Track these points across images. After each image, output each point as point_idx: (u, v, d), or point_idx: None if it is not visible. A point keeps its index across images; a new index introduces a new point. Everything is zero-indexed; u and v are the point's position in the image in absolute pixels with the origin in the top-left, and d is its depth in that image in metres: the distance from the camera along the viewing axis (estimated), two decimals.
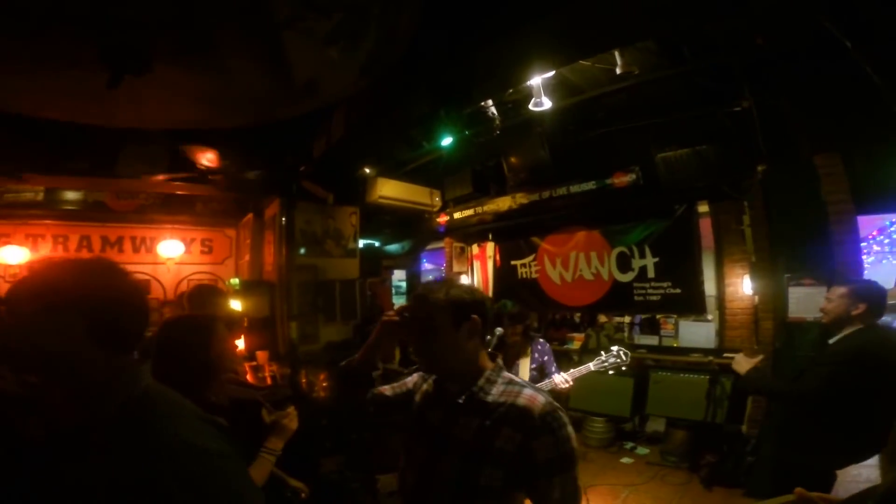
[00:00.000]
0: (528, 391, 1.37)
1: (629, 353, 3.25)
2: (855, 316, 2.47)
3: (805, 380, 2.49)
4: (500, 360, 1.48)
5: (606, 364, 3.20)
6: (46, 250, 6.37)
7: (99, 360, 0.93)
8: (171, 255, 7.11)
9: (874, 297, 2.49)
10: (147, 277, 7.06)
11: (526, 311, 3.52)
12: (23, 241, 6.20)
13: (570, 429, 1.32)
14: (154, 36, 2.55)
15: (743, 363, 2.77)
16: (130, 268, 6.06)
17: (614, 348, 3.26)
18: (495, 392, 1.38)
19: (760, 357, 2.84)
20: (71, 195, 6.27)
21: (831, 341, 2.60)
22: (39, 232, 6.36)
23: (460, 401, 1.39)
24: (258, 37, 2.81)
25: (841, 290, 2.58)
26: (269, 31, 2.76)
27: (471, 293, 1.45)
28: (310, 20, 2.73)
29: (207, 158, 4.80)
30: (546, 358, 3.46)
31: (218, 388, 1.78)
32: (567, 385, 3.16)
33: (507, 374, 1.45)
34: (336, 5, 2.68)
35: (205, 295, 3.79)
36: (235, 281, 6.67)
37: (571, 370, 3.23)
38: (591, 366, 3.21)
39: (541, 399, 1.33)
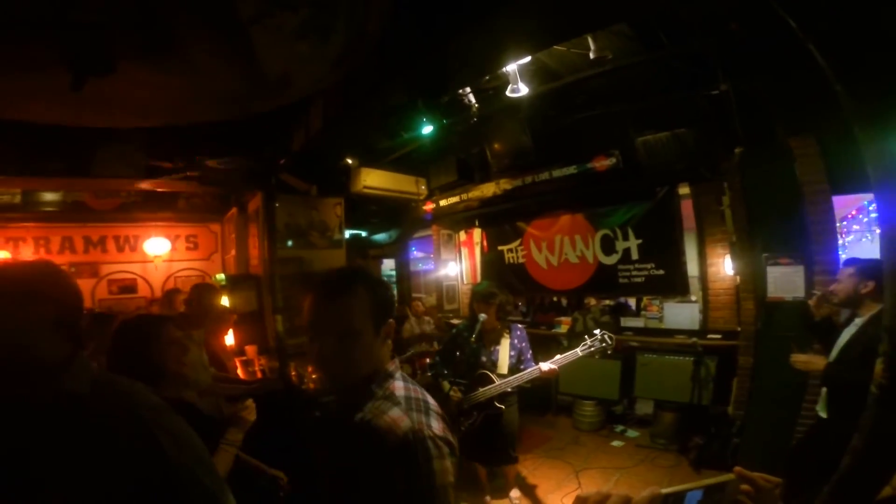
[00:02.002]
0: (395, 411, 1.15)
1: (614, 337, 3.26)
2: (864, 294, 2.48)
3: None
4: (389, 366, 1.26)
5: (593, 349, 3.23)
6: (28, 253, 6.31)
7: (64, 349, 1.07)
8: (157, 252, 7.06)
9: (881, 274, 2.47)
10: (133, 276, 7.03)
11: (495, 292, 3.47)
12: (3, 245, 6.14)
13: (441, 463, 1.10)
14: (114, 36, 2.48)
15: (815, 361, 2.63)
16: (116, 267, 6.00)
17: (597, 332, 3.28)
18: (367, 407, 1.18)
19: (821, 356, 2.70)
20: (50, 196, 6.17)
21: (861, 320, 2.52)
22: (20, 234, 6.30)
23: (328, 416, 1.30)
24: (224, 34, 2.73)
25: (849, 269, 2.57)
26: (235, 28, 2.69)
27: (389, 289, 1.31)
28: (277, 16, 2.67)
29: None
30: (524, 344, 3.49)
31: (169, 386, 1.80)
32: (552, 370, 3.18)
33: (393, 383, 1.23)
34: (302, 0, 2.62)
35: (202, 293, 3.80)
36: (221, 276, 6.65)
37: (557, 356, 3.23)
38: (579, 351, 3.22)
39: (405, 423, 1.11)
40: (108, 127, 4.11)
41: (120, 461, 0.99)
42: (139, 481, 0.99)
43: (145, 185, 5.49)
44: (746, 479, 0.80)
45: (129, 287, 6.98)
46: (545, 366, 3.18)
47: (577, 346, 3.27)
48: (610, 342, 3.22)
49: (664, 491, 0.74)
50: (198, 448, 1.14)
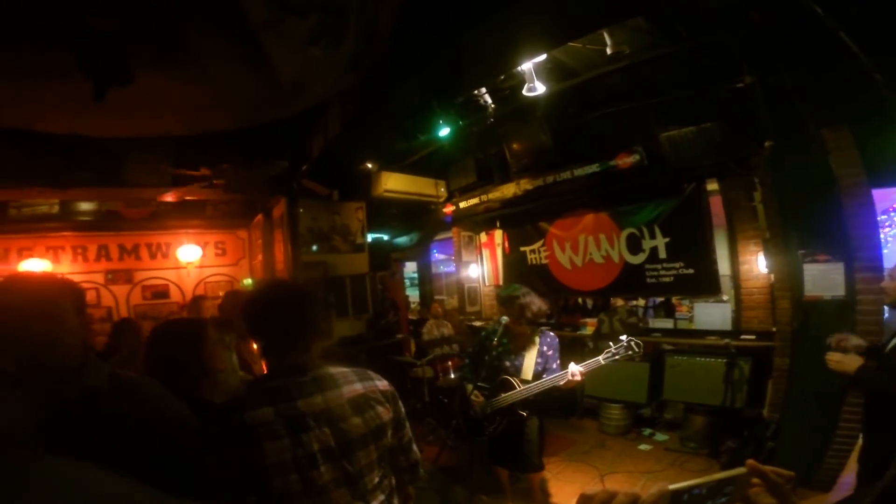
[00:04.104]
0: None
1: (641, 344, 3.00)
2: None
3: None
4: None
5: (618, 357, 2.99)
6: (67, 262, 6.58)
7: (78, 353, 1.23)
8: (189, 259, 7.25)
9: None
10: (166, 282, 7.25)
11: (515, 296, 3.32)
12: (44, 254, 6.39)
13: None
14: (131, 46, 2.55)
15: (848, 362, 2.47)
16: (149, 273, 6.19)
17: (624, 338, 3.02)
18: None
19: (857, 356, 2.51)
20: (85, 206, 6.42)
21: None
22: (59, 244, 6.55)
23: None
24: (237, 41, 2.78)
25: None
26: (247, 35, 2.74)
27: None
28: (287, 22, 2.70)
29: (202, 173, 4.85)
30: (551, 352, 3.34)
31: (211, 386, 1.84)
32: (579, 378, 3.04)
33: None
34: (312, 6, 2.64)
35: (235, 298, 3.88)
36: (249, 281, 6.79)
37: (580, 364, 3.06)
38: (601, 359, 3.01)
39: None
40: (133, 137, 4.24)
41: (135, 437, 1.18)
42: (150, 452, 1.17)
43: (171, 194, 5.65)
44: (758, 473, 0.76)
45: (161, 293, 7.20)
46: (575, 368, 3.00)
47: (601, 354, 3.03)
48: (637, 350, 2.95)
49: (672, 487, 0.70)
50: (195, 427, 1.33)
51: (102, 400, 1.20)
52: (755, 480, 0.75)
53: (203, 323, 2.01)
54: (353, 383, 1.49)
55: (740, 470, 0.75)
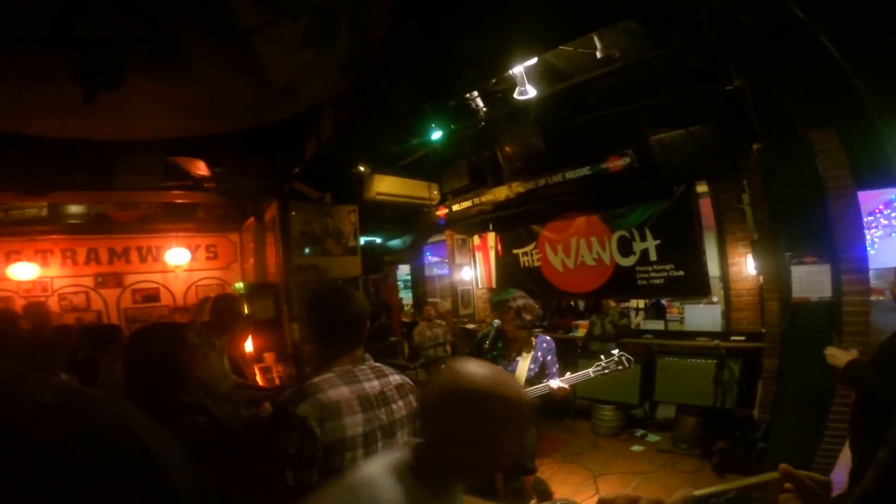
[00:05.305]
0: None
1: (631, 360, 3.08)
2: None
3: None
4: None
5: (607, 371, 3.04)
6: (56, 265, 6.50)
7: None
8: (178, 262, 7.19)
9: None
10: (156, 285, 7.19)
11: (506, 300, 3.30)
12: (32, 257, 6.31)
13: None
14: (122, 51, 2.54)
15: (840, 356, 2.52)
16: (139, 277, 6.11)
17: (615, 352, 3.09)
18: None
19: (854, 351, 2.55)
20: (74, 209, 6.33)
21: None
22: (48, 247, 6.46)
23: None
24: (228, 44, 2.78)
25: None
26: (238, 39, 2.74)
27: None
28: (278, 25, 2.69)
29: (199, 168, 4.81)
30: (549, 357, 3.30)
31: (190, 390, 1.83)
32: (562, 388, 3.05)
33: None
34: (302, 9, 2.64)
35: (225, 302, 3.85)
36: (240, 285, 6.73)
37: (568, 375, 3.09)
38: (591, 372, 3.05)
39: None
40: (124, 140, 4.21)
41: (105, 454, 1.04)
42: (122, 472, 1.08)
43: (163, 197, 5.60)
44: (791, 478, 0.72)
45: (152, 296, 7.13)
46: (554, 383, 3.04)
47: (591, 366, 3.09)
48: (627, 364, 3.04)
49: (697, 493, 0.69)
50: (171, 442, 1.23)
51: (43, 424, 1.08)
52: (787, 486, 0.73)
53: (181, 327, 2.03)
54: (394, 374, 1.72)
55: (772, 475, 0.73)
